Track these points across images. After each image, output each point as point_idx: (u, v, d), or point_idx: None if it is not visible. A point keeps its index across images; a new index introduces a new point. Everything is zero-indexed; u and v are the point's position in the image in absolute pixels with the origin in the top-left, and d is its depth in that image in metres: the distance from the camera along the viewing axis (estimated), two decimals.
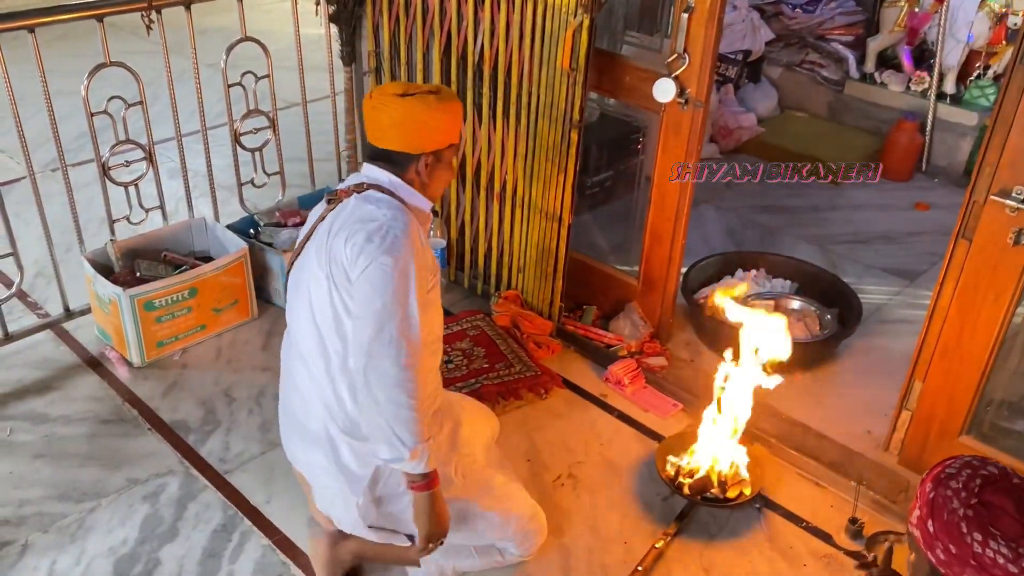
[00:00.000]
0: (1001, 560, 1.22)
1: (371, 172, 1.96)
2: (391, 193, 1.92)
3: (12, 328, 2.95)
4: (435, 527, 1.92)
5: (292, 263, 2.05)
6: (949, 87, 4.52)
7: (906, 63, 4.72)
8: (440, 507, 1.92)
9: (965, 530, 1.26)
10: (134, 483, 2.50)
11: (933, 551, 1.29)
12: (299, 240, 2.04)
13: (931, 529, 1.29)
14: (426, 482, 1.87)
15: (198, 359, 3.00)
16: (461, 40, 2.99)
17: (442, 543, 1.98)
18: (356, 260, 1.82)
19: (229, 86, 3.15)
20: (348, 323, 1.87)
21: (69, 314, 3.08)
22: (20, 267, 2.84)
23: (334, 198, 1.95)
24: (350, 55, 3.43)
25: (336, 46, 3.42)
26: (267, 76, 3.21)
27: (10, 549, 2.28)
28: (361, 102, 3.50)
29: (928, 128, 4.54)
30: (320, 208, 1.99)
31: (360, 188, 1.92)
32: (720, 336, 2.99)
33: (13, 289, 2.87)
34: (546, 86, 2.81)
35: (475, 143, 3.14)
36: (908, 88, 4.67)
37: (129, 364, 2.94)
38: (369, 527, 2.03)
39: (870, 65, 4.82)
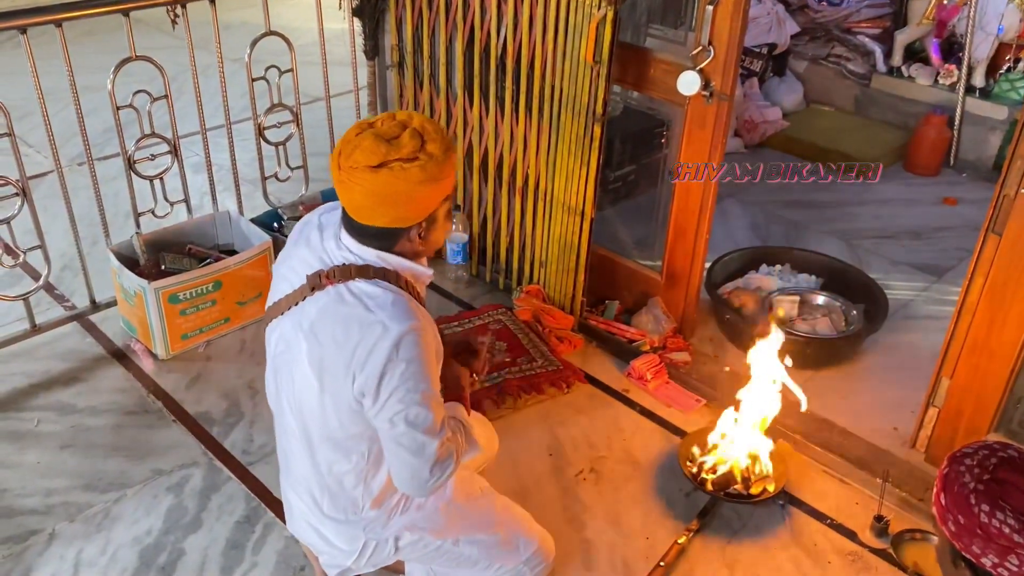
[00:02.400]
0: (1007, 530, 1.23)
1: (355, 248, 1.67)
2: (382, 271, 1.66)
3: (40, 320, 2.99)
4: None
5: (267, 321, 1.81)
6: (978, 80, 4.46)
7: (934, 56, 4.66)
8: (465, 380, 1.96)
9: (974, 501, 1.27)
10: (159, 474, 2.52)
11: (946, 524, 1.30)
12: (275, 301, 1.77)
13: (943, 502, 1.32)
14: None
15: (222, 352, 3.02)
16: (484, 33, 2.98)
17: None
18: (361, 370, 1.60)
19: (253, 80, 3.16)
20: (340, 432, 1.71)
21: (95, 306, 3.12)
22: (47, 260, 2.87)
23: (317, 284, 1.66)
24: (373, 49, 3.43)
25: (359, 40, 3.43)
26: (291, 70, 3.22)
27: (37, 538, 2.31)
28: (383, 95, 3.52)
29: (956, 122, 4.47)
30: (297, 276, 1.72)
31: (347, 275, 1.64)
32: (743, 332, 2.97)
33: (41, 282, 2.90)
34: (569, 79, 2.79)
35: (497, 137, 3.13)
36: (936, 82, 4.61)
37: (154, 356, 2.96)
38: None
39: (897, 58, 4.76)
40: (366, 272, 1.64)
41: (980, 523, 1.26)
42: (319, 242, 1.71)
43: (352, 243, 1.68)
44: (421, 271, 1.73)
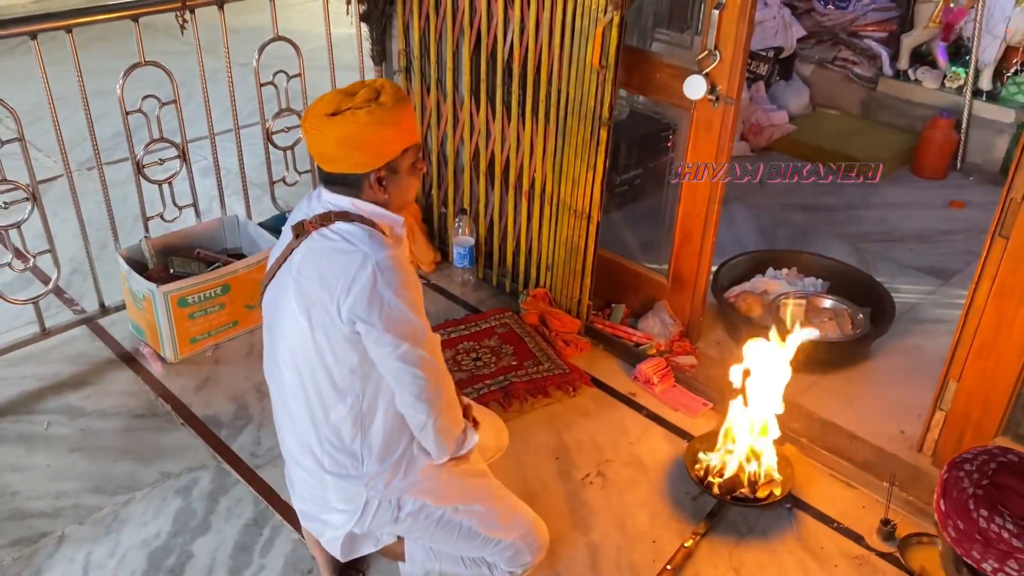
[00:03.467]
0: (1006, 535, 1.23)
1: (330, 198, 1.83)
2: (359, 218, 1.80)
3: (49, 324, 3.01)
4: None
5: (263, 289, 1.96)
6: (985, 84, 4.46)
7: (941, 59, 4.66)
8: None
9: (972, 507, 1.28)
10: (167, 477, 2.53)
11: (946, 530, 1.30)
12: (269, 268, 1.94)
13: (943, 508, 1.32)
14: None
15: (230, 355, 3.04)
16: (491, 38, 2.99)
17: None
18: (347, 295, 1.74)
19: (261, 85, 3.18)
20: (335, 369, 1.81)
21: (104, 310, 3.13)
22: (57, 264, 2.89)
23: (301, 231, 1.83)
24: (381, 54, 3.45)
25: (367, 45, 3.45)
26: (299, 75, 3.24)
27: (47, 540, 2.32)
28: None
29: (963, 125, 4.47)
30: (286, 237, 1.89)
31: (327, 219, 1.80)
32: (750, 335, 2.97)
33: (50, 286, 2.92)
34: (576, 84, 2.80)
35: (504, 141, 3.14)
36: (943, 85, 4.61)
37: (163, 359, 2.98)
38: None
39: (904, 62, 4.77)
40: (344, 216, 1.80)
41: (979, 528, 1.26)
42: (306, 205, 1.89)
43: (327, 194, 1.84)
44: (393, 217, 1.86)
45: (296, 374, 1.87)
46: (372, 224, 1.81)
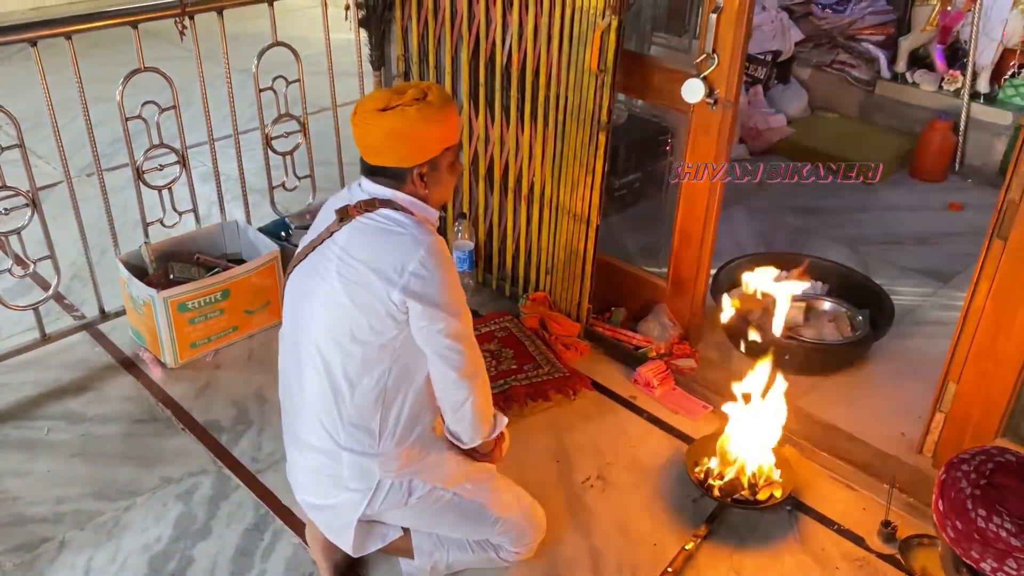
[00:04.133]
0: (1004, 534, 1.23)
1: (372, 188, 1.92)
2: (401, 208, 1.90)
3: (49, 330, 3.01)
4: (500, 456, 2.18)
5: (292, 269, 2.02)
6: (983, 86, 4.46)
7: (939, 62, 4.66)
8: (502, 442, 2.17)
9: (970, 507, 1.28)
10: (168, 482, 2.53)
11: (945, 530, 1.30)
12: (301, 247, 2.01)
13: (941, 508, 1.32)
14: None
15: (231, 360, 3.04)
16: (489, 43, 3.00)
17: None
18: (400, 274, 1.83)
19: (260, 90, 3.19)
20: (368, 345, 1.88)
21: (104, 316, 3.13)
22: (57, 270, 2.89)
23: (345, 215, 1.91)
24: (379, 59, 3.46)
25: (366, 50, 3.45)
26: (298, 80, 3.24)
27: (48, 546, 2.32)
28: None
29: (962, 128, 4.48)
30: (327, 218, 1.96)
31: (371, 205, 1.89)
32: (749, 340, 2.97)
33: (50, 292, 2.92)
34: (574, 88, 2.81)
35: (503, 145, 3.15)
36: (941, 88, 4.61)
37: (163, 365, 2.98)
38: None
39: (902, 65, 4.77)
40: (388, 204, 1.89)
41: (977, 528, 1.26)
42: (347, 193, 1.98)
43: (369, 184, 1.93)
44: (430, 211, 1.96)
45: (322, 350, 1.91)
46: (411, 214, 1.90)
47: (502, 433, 2.15)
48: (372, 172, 1.92)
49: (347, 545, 2.07)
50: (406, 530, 2.15)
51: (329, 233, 1.93)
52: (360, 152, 1.92)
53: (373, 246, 1.87)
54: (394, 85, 1.89)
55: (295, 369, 2.02)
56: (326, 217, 1.98)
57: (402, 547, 2.17)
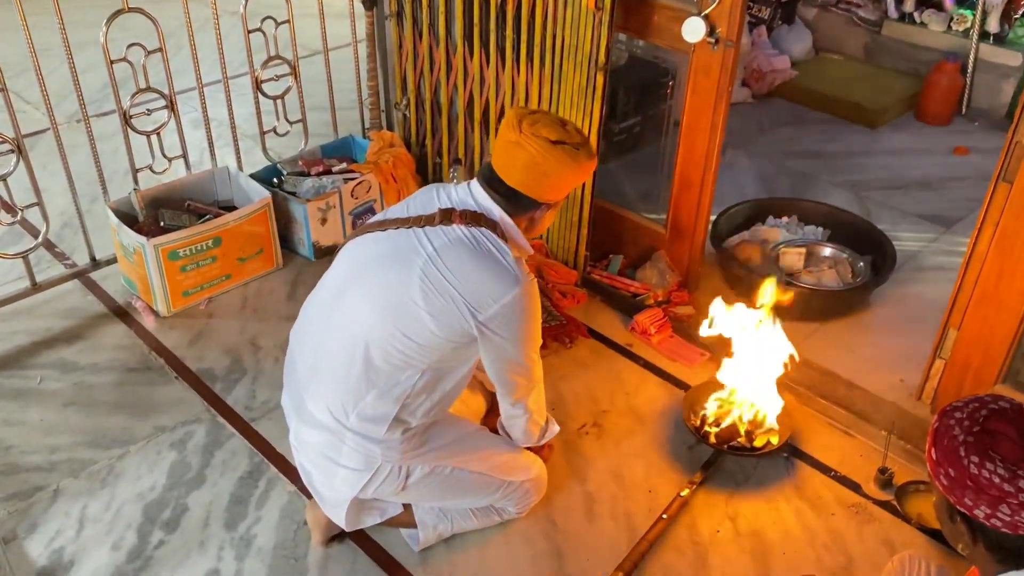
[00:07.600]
0: (997, 480, 1.22)
1: (486, 202, 1.86)
2: (502, 234, 1.84)
3: (40, 278, 2.98)
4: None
5: (364, 231, 1.95)
6: (993, 26, 4.35)
7: (947, 1, 4.54)
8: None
9: (963, 453, 1.27)
10: (162, 431, 2.52)
11: (938, 478, 1.29)
12: (386, 215, 1.95)
13: (934, 456, 1.31)
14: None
15: (224, 308, 3.01)
16: None
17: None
18: (490, 305, 1.80)
19: (249, 32, 3.10)
20: (417, 345, 1.83)
21: (96, 264, 3.10)
22: (45, 217, 2.85)
23: (447, 219, 1.83)
24: None
25: None
26: (287, 22, 3.16)
27: (42, 494, 2.32)
28: (382, 47, 3.45)
29: (970, 69, 4.38)
30: (426, 203, 1.89)
31: (477, 220, 1.83)
32: (749, 285, 2.94)
33: (39, 239, 2.88)
34: (571, 27, 2.73)
35: (498, 87, 3.07)
36: (949, 28, 4.50)
37: (155, 313, 2.95)
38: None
39: (909, 4, 4.64)
40: (494, 228, 1.84)
41: (970, 474, 1.24)
42: (453, 191, 1.92)
43: (482, 195, 1.87)
44: (528, 246, 1.93)
45: (368, 334, 1.85)
46: (506, 242, 1.86)
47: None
48: (495, 187, 1.86)
49: (340, 520, 2.04)
50: (407, 505, 2.12)
51: (419, 224, 1.85)
52: (493, 160, 1.86)
53: (471, 265, 1.80)
54: (549, 113, 1.91)
55: (324, 326, 1.95)
56: (426, 201, 1.91)
57: (404, 521, 2.15)
